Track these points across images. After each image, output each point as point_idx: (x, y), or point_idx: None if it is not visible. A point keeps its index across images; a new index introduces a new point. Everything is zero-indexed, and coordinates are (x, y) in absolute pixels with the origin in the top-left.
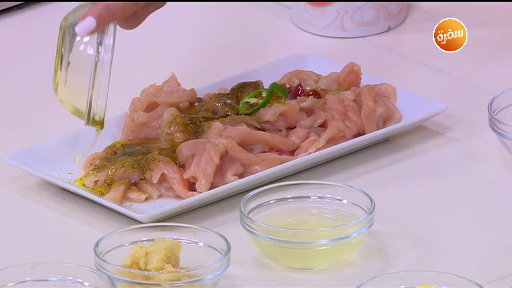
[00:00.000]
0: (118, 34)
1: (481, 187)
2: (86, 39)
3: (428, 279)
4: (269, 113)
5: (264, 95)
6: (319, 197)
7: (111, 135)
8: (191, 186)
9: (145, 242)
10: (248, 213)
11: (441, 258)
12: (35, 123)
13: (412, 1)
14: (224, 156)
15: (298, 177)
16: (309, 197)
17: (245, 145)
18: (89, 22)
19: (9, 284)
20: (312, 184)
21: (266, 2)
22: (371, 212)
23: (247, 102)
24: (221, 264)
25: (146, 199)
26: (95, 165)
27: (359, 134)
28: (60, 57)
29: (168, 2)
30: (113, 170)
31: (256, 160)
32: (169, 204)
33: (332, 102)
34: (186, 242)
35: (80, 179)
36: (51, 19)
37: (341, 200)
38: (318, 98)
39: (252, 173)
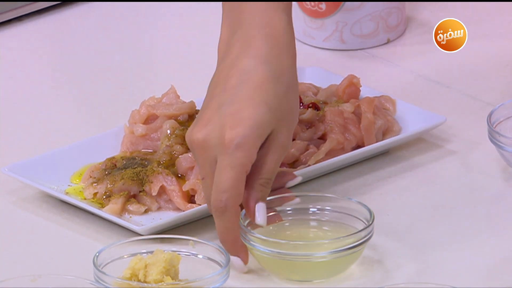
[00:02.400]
0: (115, 46)
1: (481, 200)
2: None
3: None
4: None
5: None
6: (318, 209)
7: (111, 147)
8: (190, 198)
9: (144, 254)
10: (247, 226)
11: (440, 270)
12: (35, 135)
13: (413, 1)
14: None
15: (297, 189)
16: (308, 209)
17: None
18: (261, 207)
19: None
20: (311, 196)
21: None
22: (370, 224)
23: None
24: (220, 276)
25: (145, 211)
26: (94, 177)
27: (358, 147)
28: None
29: (167, 15)
30: (112, 182)
31: None
32: (168, 216)
33: (331, 115)
34: (185, 254)
35: (80, 191)
36: (50, 31)
37: (340, 212)
38: (317, 110)
39: None
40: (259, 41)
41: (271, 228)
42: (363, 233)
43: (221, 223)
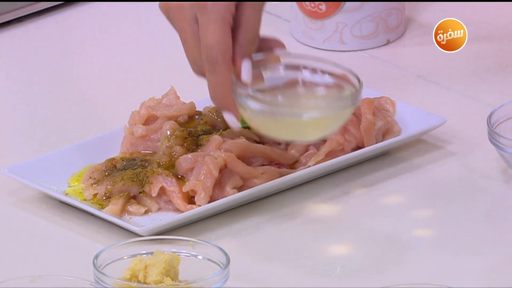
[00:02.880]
0: (115, 47)
1: (480, 201)
2: None
3: None
4: None
5: None
6: (311, 71)
7: (111, 148)
8: (190, 199)
9: (144, 255)
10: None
11: (440, 271)
12: (35, 136)
13: (414, 1)
14: (223, 169)
15: (296, 190)
16: (299, 70)
17: (244, 158)
18: (247, 62)
19: None
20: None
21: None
22: (359, 89)
23: None
24: (220, 277)
25: (145, 212)
26: (94, 178)
27: (358, 148)
28: None
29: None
30: (112, 183)
31: (255, 173)
32: (168, 217)
33: None
34: (185, 255)
35: (80, 192)
36: (50, 32)
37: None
38: None
39: (251, 186)
40: None
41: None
42: (352, 94)
43: (212, 78)
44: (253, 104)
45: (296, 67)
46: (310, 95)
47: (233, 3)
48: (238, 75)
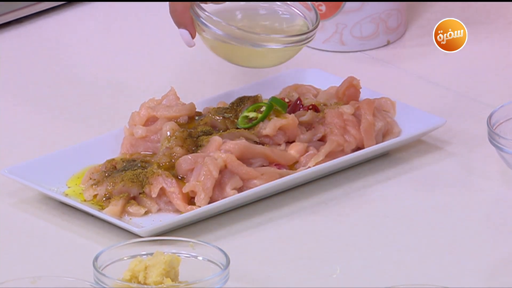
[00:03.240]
0: (115, 48)
1: (480, 201)
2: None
3: None
4: (268, 127)
5: (263, 110)
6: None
7: (111, 149)
8: (190, 200)
9: (144, 256)
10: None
11: (439, 272)
12: (34, 137)
13: (414, 1)
14: (223, 170)
15: (296, 191)
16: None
17: (244, 159)
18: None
19: None
20: None
21: None
22: (315, 28)
23: (246, 116)
24: (220, 278)
25: (145, 213)
26: (94, 179)
27: (358, 148)
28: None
29: (167, 17)
30: (112, 184)
31: (255, 174)
32: (168, 218)
33: (331, 116)
34: (185, 256)
35: (80, 193)
36: (50, 33)
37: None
38: (317, 112)
39: (251, 187)
40: None
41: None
42: (307, 33)
43: None
44: (210, 27)
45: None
46: (268, 25)
47: None
48: None
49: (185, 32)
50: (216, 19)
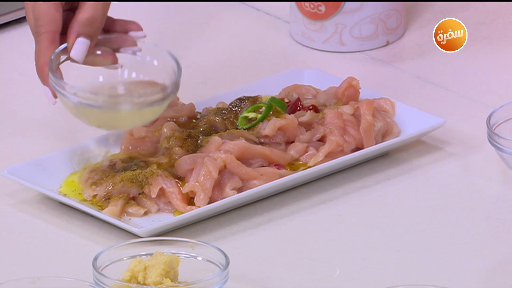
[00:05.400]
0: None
1: (480, 202)
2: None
3: None
4: (268, 128)
5: (262, 110)
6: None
7: (110, 150)
8: (189, 201)
9: (143, 257)
10: (56, 69)
11: (439, 272)
12: (34, 138)
13: (414, 1)
14: (223, 171)
15: (296, 191)
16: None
17: (244, 159)
18: (83, 42)
19: None
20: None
21: (265, 16)
22: (176, 81)
23: (246, 117)
24: (219, 278)
25: (145, 213)
26: (94, 179)
27: (357, 149)
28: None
29: (166, 17)
30: (112, 184)
31: (255, 174)
32: (168, 219)
33: (331, 117)
34: (184, 257)
35: (80, 193)
36: None
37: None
38: (316, 112)
39: (251, 188)
40: None
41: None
42: (167, 90)
43: (36, 48)
44: (58, 90)
45: (117, 50)
46: (126, 85)
47: None
48: (69, 50)
49: (45, 90)
50: (69, 86)
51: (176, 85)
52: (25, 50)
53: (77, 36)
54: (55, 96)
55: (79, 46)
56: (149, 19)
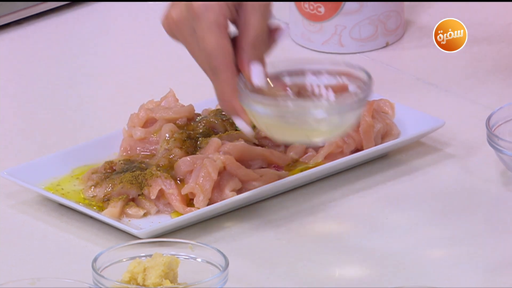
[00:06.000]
0: (114, 50)
1: (479, 203)
2: None
3: None
4: None
5: None
6: (315, 72)
7: (109, 151)
8: (189, 202)
9: (143, 258)
10: (246, 89)
11: (439, 274)
12: (33, 139)
13: (414, 1)
14: (222, 172)
15: (295, 193)
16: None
17: (243, 161)
18: (256, 66)
19: None
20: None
21: None
22: (368, 84)
23: None
24: (219, 279)
25: (144, 214)
26: (93, 180)
27: (357, 150)
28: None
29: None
30: (111, 186)
31: (254, 176)
32: (167, 220)
33: None
34: (184, 258)
35: (79, 194)
36: (49, 35)
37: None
38: None
39: (250, 189)
40: None
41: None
42: (361, 94)
43: (217, 85)
44: (260, 109)
45: (302, 72)
46: (318, 97)
47: (228, 6)
48: (249, 81)
49: (239, 121)
50: (264, 100)
51: (368, 91)
52: (25, 51)
53: (249, 63)
54: (250, 124)
55: (257, 70)
56: (149, 20)
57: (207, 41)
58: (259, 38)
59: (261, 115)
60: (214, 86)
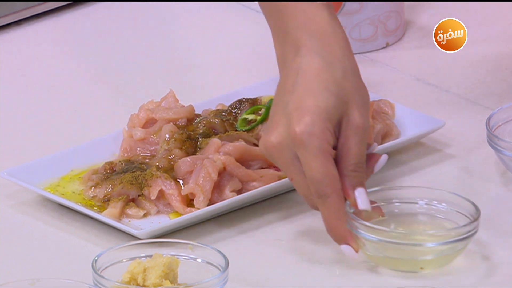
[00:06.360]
0: (114, 50)
1: (479, 204)
2: None
3: None
4: None
5: (262, 112)
6: (426, 203)
7: (109, 152)
8: (189, 202)
9: (143, 258)
10: (353, 213)
11: (439, 274)
12: (33, 139)
13: (414, 1)
14: (222, 172)
15: (295, 193)
16: (415, 202)
17: (243, 161)
18: (361, 192)
19: None
20: (417, 188)
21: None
22: (476, 219)
23: (245, 119)
24: (219, 280)
25: (144, 215)
26: (93, 181)
27: None
28: None
29: (166, 19)
30: (111, 186)
31: (254, 176)
32: (167, 220)
33: None
34: (184, 258)
35: (79, 194)
36: (48, 35)
37: (447, 207)
38: None
39: (250, 189)
40: (306, 39)
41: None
42: (467, 228)
43: (325, 211)
44: (369, 235)
45: (412, 199)
46: (425, 226)
47: (330, 131)
48: (355, 206)
49: (347, 248)
50: (374, 226)
51: (476, 222)
52: (25, 52)
53: (354, 189)
54: (357, 250)
55: (362, 195)
56: (149, 20)
57: (314, 168)
58: (360, 163)
59: (371, 241)
60: (322, 211)
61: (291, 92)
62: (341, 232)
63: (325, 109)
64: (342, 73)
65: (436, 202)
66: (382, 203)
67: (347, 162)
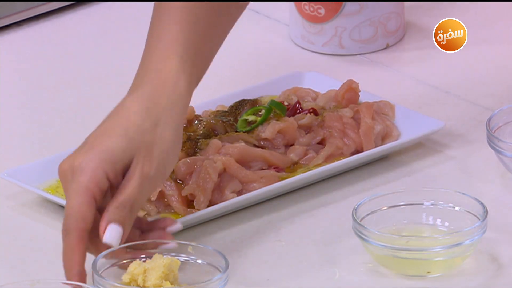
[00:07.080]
0: (114, 51)
1: None
2: None
3: None
4: (267, 131)
5: (262, 113)
6: (432, 204)
7: None
8: (189, 203)
9: (143, 259)
10: (361, 220)
11: (439, 274)
12: (34, 140)
13: (414, 1)
14: (223, 174)
15: (295, 194)
16: (421, 204)
17: (243, 162)
18: (113, 228)
19: None
20: (423, 191)
21: (264, 19)
22: (484, 219)
23: (245, 120)
24: (219, 281)
25: (144, 216)
26: None
27: (357, 152)
28: None
29: None
30: None
31: (255, 177)
32: None
33: (330, 120)
34: (184, 259)
35: None
36: (49, 36)
37: (453, 207)
38: (316, 115)
39: (251, 190)
40: (147, 83)
41: None
42: (476, 229)
43: (63, 244)
44: (376, 244)
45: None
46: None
47: (104, 173)
48: (101, 236)
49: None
50: (381, 234)
51: (483, 224)
52: (25, 52)
53: (109, 222)
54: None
55: (113, 231)
56: (148, 21)
57: (68, 202)
58: (126, 204)
59: (375, 248)
60: (63, 243)
61: (101, 125)
62: (68, 269)
63: (112, 150)
64: (151, 123)
65: (442, 202)
66: (386, 208)
67: (115, 198)
